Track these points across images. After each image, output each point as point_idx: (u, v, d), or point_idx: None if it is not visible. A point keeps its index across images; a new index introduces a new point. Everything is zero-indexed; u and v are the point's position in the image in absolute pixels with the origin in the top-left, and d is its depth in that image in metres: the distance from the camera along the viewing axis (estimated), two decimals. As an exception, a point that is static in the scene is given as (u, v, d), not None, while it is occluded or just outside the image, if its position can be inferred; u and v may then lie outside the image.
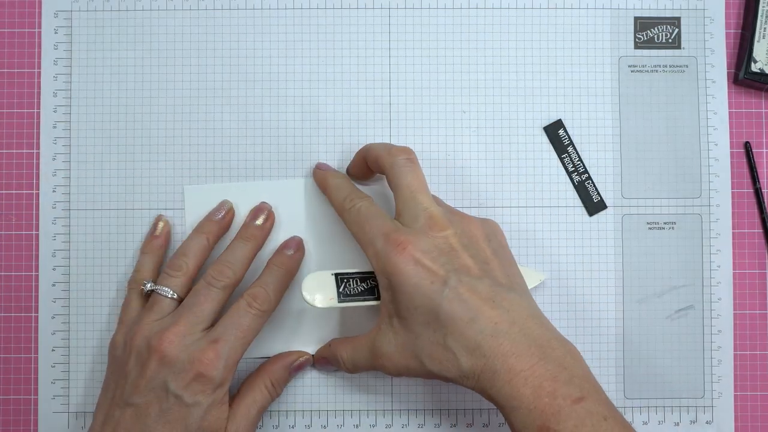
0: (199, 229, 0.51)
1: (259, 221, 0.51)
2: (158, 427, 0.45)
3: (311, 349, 0.52)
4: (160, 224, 0.52)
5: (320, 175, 0.51)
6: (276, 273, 0.49)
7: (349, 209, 0.48)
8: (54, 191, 0.53)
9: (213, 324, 0.47)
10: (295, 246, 0.51)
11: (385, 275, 0.44)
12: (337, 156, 0.53)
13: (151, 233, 0.52)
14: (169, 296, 0.48)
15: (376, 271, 0.45)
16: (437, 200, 0.49)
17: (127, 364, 0.46)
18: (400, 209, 0.46)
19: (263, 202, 0.52)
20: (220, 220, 0.51)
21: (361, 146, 0.52)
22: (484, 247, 0.45)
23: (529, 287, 0.48)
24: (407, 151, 0.48)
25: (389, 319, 0.45)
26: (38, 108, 0.54)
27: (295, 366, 0.51)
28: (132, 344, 0.46)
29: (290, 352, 0.52)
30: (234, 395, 0.49)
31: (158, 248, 0.51)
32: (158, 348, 0.45)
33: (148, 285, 0.49)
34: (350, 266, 0.52)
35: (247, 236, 0.50)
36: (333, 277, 0.48)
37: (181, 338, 0.46)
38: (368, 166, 0.50)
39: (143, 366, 0.45)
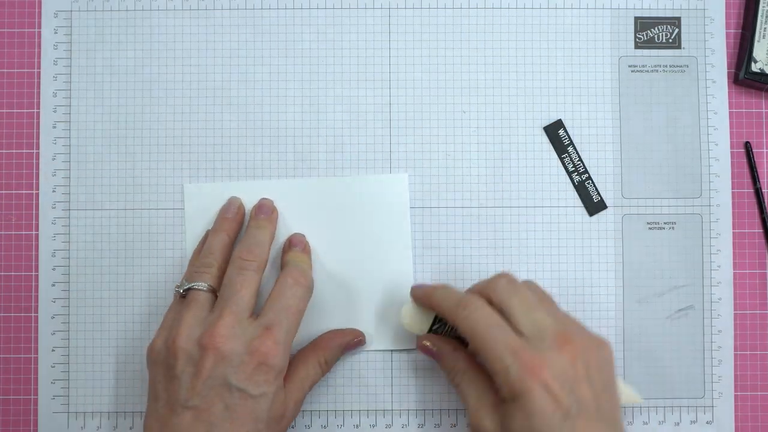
0: (217, 228, 0.51)
1: (265, 214, 0.51)
2: (225, 425, 0.44)
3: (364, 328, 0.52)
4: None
5: (422, 291, 0.49)
6: (300, 254, 0.50)
7: (465, 317, 0.45)
8: (54, 191, 0.53)
9: (253, 309, 0.47)
10: (301, 243, 0.51)
11: (512, 391, 0.42)
12: (337, 156, 0.53)
13: (201, 245, 0.52)
14: (205, 289, 0.47)
15: (500, 382, 0.43)
16: (549, 310, 0.46)
17: (176, 367, 0.44)
18: (518, 322, 0.44)
19: (264, 198, 0.52)
20: (234, 216, 0.51)
21: (360, 146, 0.52)
22: (599, 378, 0.44)
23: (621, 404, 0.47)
24: (506, 277, 0.46)
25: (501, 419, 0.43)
26: (38, 108, 0.54)
27: (351, 345, 0.51)
28: (177, 346, 0.45)
29: (345, 331, 0.51)
30: (294, 362, 0.49)
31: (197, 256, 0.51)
32: (211, 344, 0.44)
33: (185, 284, 0.48)
34: (351, 265, 0.52)
35: (259, 224, 0.50)
36: (433, 315, 0.49)
37: (231, 330, 0.44)
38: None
39: (197, 366, 0.44)
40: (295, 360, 0.49)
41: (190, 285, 0.48)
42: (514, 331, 0.44)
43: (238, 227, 0.52)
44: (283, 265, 0.50)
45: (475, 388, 0.45)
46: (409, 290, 0.49)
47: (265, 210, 0.51)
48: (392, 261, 0.52)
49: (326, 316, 0.52)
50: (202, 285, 0.47)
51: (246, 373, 0.44)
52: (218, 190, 0.53)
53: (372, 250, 0.52)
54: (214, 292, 0.48)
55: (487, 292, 0.46)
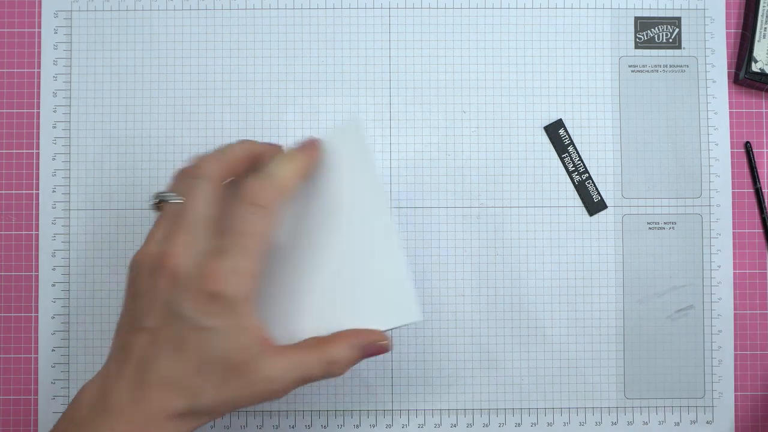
0: (232, 144, 0.44)
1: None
2: (170, 354, 0.39)
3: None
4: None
5: None
6: (292, 160, 0.43)
7: None
8: (54, 191, 0.53)
9: (211, 220, 0.41)
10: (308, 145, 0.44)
11: None
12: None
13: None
14: (177, 201, 0.41)
15: None
16: None
17: (140, 283, 0.40)
18: None
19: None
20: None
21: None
22: None
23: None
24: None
25: None
26: (38, 108, 0.54)
27: (369, 349, 0.43)
28: (141, 261, 0.40)
29: (366, 331, 0.43)
30: (291, 345, 0.42)
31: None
32: (165, 263, 0.39)
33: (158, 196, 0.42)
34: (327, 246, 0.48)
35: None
36: None
37: (185, 248, 0.39)
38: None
39: (155, 284, 0.39)
40: (303, 342, 0.42)
41: (162, 195, 0.42)
42: None
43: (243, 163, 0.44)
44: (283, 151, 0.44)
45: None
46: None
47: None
48: (371, 226, 0.46)
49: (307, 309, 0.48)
50: (172, 195, 0.42)
51: (198, 300, 0.39)
52: None
53: (345, 219, 0.46)
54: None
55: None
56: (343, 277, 0.47)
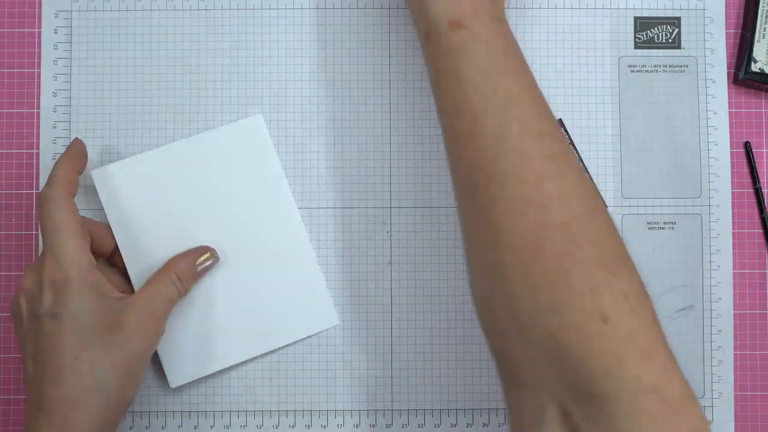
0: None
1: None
2: (48, 353, 0.43)
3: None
4: None
5: None
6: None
7: None
8: (54, 191, 0.53)
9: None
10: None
11: None
12: (338, 156, 0.53)
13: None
14: None
15: None
16: None
17: (20, 322, 0.46)
18: None
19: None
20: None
21: (360, 146, 0.52)
22: None
23: None
24: None
25: None
26: (38, 108, 0.54)
27: (202, 265, 0.50)
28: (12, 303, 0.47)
29: (197, 249, 0.50)
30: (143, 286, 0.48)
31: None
32: (20, 294, 0.45)
33: None
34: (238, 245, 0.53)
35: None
36: None
37: (30, 272, 0.45)
38: None
39: (18, 311, 0.46)
40: (146, 282, 0.48)
41: None
42: None
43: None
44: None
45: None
46: None
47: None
48: (280, 223, 0.52)
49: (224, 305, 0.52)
50: None
51: (47, 300, 0.44)
52: (128, 167, 0.52)
53: (251, 213, 0.52)
54: None
55: None
56: (260, 291, 0.52)
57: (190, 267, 0.49)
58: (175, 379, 0.51)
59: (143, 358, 0.46)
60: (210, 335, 0.51)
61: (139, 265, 0.51)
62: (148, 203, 0.51)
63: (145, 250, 0.51)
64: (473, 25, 0.42)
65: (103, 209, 0.52)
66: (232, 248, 0.52)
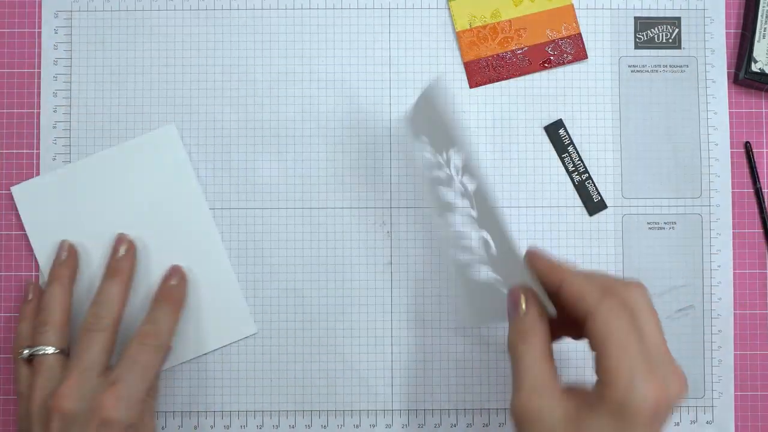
0: (51, 277, 0.50)
1: (121, 252, 0.50)
2: None
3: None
4: (30, 288, 0.51)
5: (548, 266, 0.43)
6: (164, 307, 0.49)
7: (605, 313, 0.39)
8: (54, 191, 0.53)
9: (105, 366, 0.47)
10: (178, 275, 0.51)
11: (621, 404, 0.37)
12: (338, 156, 0.53)
13: (24, 299, 0.51)
14: (50, 352, 0.47)
15: (609, 393, 0.37)
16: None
17: (34, 430, 0.45)
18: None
19: (120, 234, 0.51)
20: (66, 260, 0.51)
21: (360, 146, 0.51)
22: None
23: None
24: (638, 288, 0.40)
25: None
26: (38, 108, 0.54)
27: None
28: (31, 412, 0.46)
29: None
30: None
31: (34, 311, 0.50)
32: (56, 407, 0.44)
33: (25, 351, 0.48)
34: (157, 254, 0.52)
35: (113, 272, 0.50)
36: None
37: (76, 390, 0.45)
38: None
39: (46, 428, 0.45)
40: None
41: (33, 350, 0.48)
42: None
43: (73, 271, 0.51)
44: (153, 299, 0.50)
45: (540, 368, 0.40)
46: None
47: (121, 246, 0.51)
48: (194, 232, 0.52)
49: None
50: (47, 349, 0.47)
51: (91, 430, 0.44)
52: (49, 184, 0.52)
53: (168, 223, 0.52)
54: (63, 351, 0.48)
55: (622, 297, 0.39)
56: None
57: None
58: None
59: None
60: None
61: None
62: (67, 217, 0.52)
63: None
64: None
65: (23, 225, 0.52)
66: (150, 258, 0.52)
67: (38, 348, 0.47)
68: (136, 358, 0.46)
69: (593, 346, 0.39)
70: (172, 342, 0.49)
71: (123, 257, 0.50)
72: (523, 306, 0.42)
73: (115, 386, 0.45)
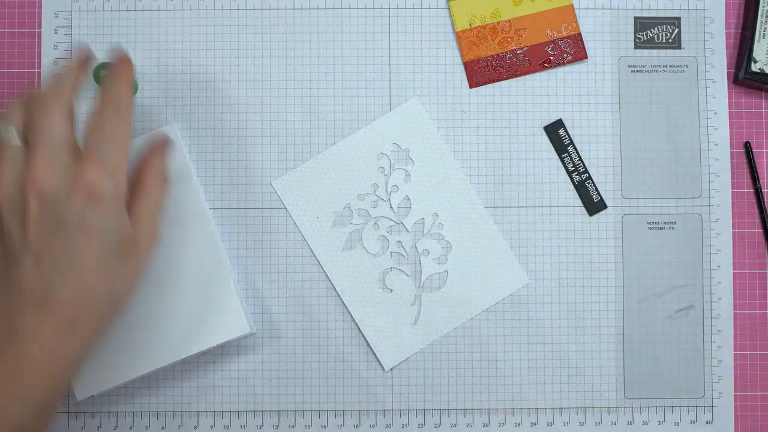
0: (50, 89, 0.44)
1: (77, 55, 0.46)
2: (69, 261, 0.41)
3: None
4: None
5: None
6: (116, 80, 0.45)
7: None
8: (54, 191, 0.53)
9: (71, 141, 0.43)
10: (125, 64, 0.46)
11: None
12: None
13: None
14: (14, 134, 0.42)
15: None
16: None
17: (3, 217, 0.41)
18: None
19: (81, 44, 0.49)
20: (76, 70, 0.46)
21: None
22: None
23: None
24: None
25: None
26: (38, 108, 0.53)
27: (168, 150, 0.49)
28: (1, 195, 0.41)
29: (155, 142, 0.48)
30: (134, 191, 0.45)
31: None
32: (30, 188, 0.40)
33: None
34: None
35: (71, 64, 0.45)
36: None
37: (49, 168, 0.41)
38: None
39: (23, 213, 0.41)
40: (137, 185, 0.46)
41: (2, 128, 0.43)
42: None
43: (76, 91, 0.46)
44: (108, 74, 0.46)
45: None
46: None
47: (79, 53, 0.46)
48: (192, 230, 0.51)
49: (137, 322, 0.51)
50: (8, 127, 0.42)
51: (78, 203, 0.41)
52: None
53: (168, 223, 0.50)
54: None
55: None
56: (169, 298, 0.51)
57: (164, 159, 0.48)
58: (82, 391, 0.50)
59: (147, 268, 0.45)
60: (118, 345, 0.50)
61: None
62: None
63: None
64: None
65: None
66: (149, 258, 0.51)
67: (6, 126, 0.42)
68: (104, 126, 0.42)
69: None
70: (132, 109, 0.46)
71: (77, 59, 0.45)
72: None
73: (91, 156, 0.41)
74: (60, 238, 0.41)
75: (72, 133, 0.43)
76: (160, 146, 0.49)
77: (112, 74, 0.45)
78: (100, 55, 0.54)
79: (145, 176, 0.46)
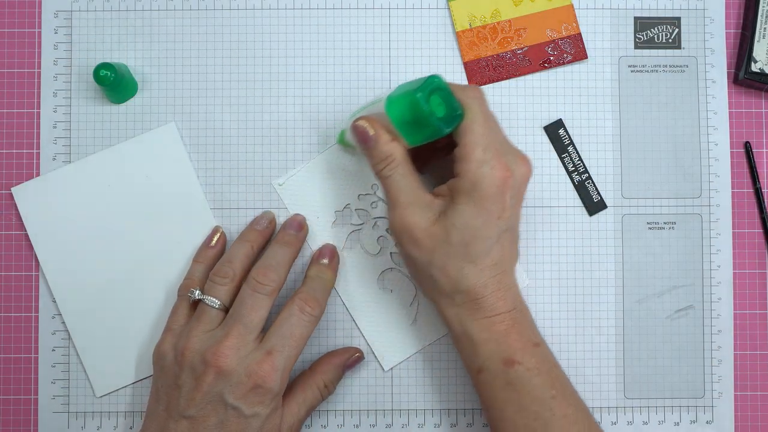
0: (242, 237, 0.51)
1: (294, 230, 0.51)
2: None
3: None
4: (216, 235, 0.52)
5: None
6: (319, 281, 0.50)
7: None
8: (54, 191, 0.53)
9: (262, 330, 0.47)
10: (329, 255, 0.51)
11: (474, 184, 0.44)
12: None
13: (207, 244, 0.52)
14: (216, 306, 0.48)
15: (464, 170, 0.44)
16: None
17: (180, 377, 0.46)
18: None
19: (297, 214, 0.52)
20: (263, 229, 0.51)
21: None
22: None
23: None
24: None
25: (459, 206, 0.45)
26: (38, 108, 0.54)
27: (348, 364, 0.51)
28: (184, 356, 0.46)
29: (342, 351, 0.52)
30: (284, 393, 0.48)
31: (211, 258, 0.51)
32: (214, 362, 0.45)
33: (196, 293, 0.49)
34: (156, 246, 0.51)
35: (285, 241, 0.50)
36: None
37: (235, 351, 0.46)
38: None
39: (198, 379, 0.45)
40: (293, 384, 0.50)
41: (204, 297, 0.48)
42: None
43: (264, 240, 0.51)
44: (305, 278, 0.50)
45: (407, 184, 0.46)
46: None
47: (295, 226, 0.51)
48: (195, 227, 0.52)
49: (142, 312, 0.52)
50: (215, 302, 0.48)
51: (241, 392, 0.45)
52: (50, 182, 0.52)
53: (168, 222, 0.52)
54: (226, 309, 0.48)
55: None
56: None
57: (337, 371, 0.51)
58: (99, 387, 0.52)
59: None
60: (135, 343, 0.52)
61: (62, 279, 0.52)
62: (69, 217, 0.52)
63: (68, 264, 0.52)
64: (525, 360, 0.45)
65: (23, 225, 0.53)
66: (149, 258, 0.52)
67: (210, 298, 0.48)
68: (293, 330, 0.47)
69: (457, 147, 0.45)
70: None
71: (295, 234, 0.51)
72: (371, 131, 0.46)
73: (271, 356, 0.46)
74: (218, 415, 0.45)
75: (266, 319, 0.48)
76: (342, 355, 0.52)
77: (320, 269, 0.51)
78: (101, 55, 0.54)
79: (309, 376, 0.50)
